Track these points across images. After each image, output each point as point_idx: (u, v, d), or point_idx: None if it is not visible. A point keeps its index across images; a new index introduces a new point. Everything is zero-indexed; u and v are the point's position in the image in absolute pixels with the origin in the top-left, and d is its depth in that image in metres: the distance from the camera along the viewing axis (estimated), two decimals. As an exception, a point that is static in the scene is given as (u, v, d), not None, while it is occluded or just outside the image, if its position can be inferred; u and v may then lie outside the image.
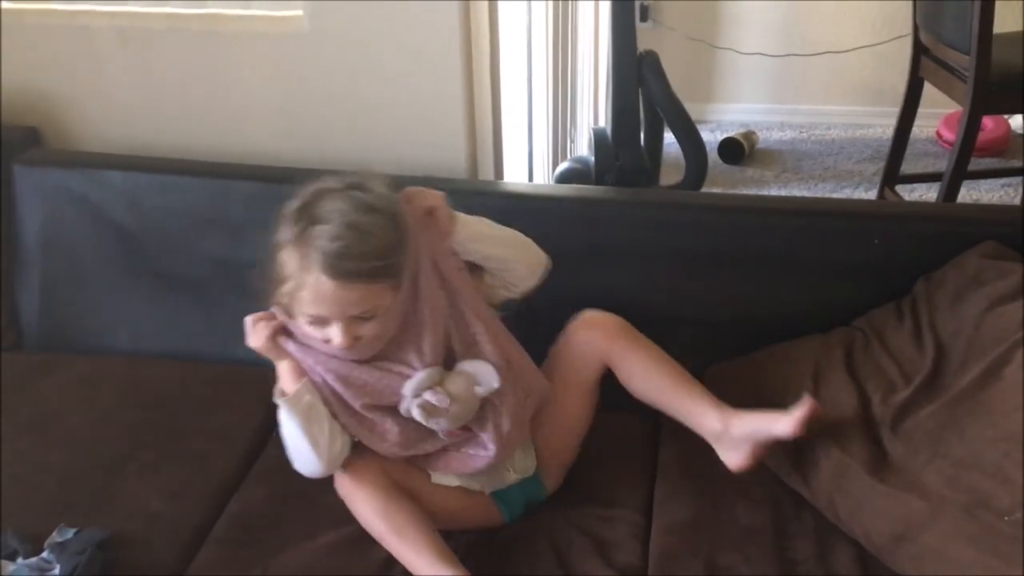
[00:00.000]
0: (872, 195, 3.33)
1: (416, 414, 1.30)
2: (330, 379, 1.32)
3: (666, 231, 1.66)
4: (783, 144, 3.83)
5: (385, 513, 1.31)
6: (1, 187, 1.81)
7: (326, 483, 1.42)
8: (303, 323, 1.29)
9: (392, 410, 1.33)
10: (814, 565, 1.31)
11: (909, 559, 1.25)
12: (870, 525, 1.30)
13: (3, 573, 1.30)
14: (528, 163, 2.50)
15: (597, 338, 1.45)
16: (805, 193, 3.42)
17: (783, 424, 1.32)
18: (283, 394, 1.33)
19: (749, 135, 3.73)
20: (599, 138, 2.18)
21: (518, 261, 1.43)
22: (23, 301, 1.84)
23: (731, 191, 3.41)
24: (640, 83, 2.25)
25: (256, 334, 1.33)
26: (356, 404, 1.32)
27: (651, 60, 2.26)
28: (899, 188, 3.13)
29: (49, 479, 1.49)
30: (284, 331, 1.33)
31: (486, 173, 1.95)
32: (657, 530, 1.39)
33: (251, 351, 1.35)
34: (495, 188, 1.83)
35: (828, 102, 3.97)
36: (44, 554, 1.33)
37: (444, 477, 1.40)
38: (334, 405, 1.33)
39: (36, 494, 1.47)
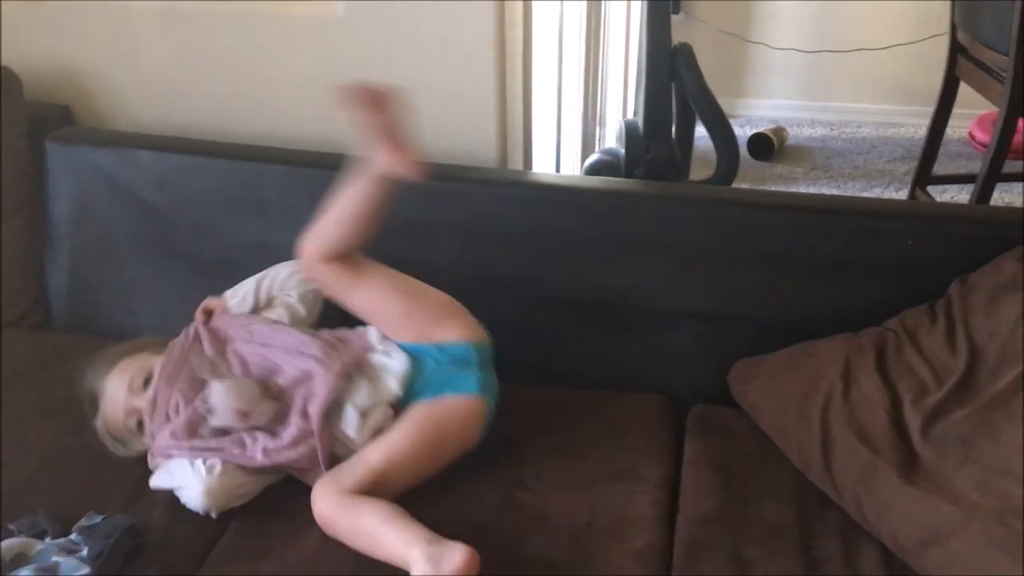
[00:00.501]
0: (902, 195, 3.31)
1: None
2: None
3: (696, 226, 1.64)
4: (813, 141, 3.80)
5: (349, 530, 1.33)
6: (33, 164, 1.82)
7: None
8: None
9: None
10: (839, 565, 1.31)
11: (936, 564, 1.24)
12: (897, 527, 1.29)
13: (32, 551, 1.31)
14: (556, 154, 2.49)
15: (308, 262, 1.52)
16: (834, 191, 3.39)
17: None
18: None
19: (779, 131, 3.70)
20: (630, 130, 2.17)
21: None
22: (52, 279, 1.85)
23: (759, 187, 3.39)
24: (673, 76, 2.23)
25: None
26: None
27: (685, 53, 2.24)
28: (930, 189, 3.10)
29: (80, 461, 1.50)
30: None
31: (515, 163, 1.95)
32: (683, 521, 1.39)
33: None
34: (524, 179, 1.83)
35: (860, 100, 3.93)
36: (72, 536, 1.34)
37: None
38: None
39: (66, 476, 1.48)
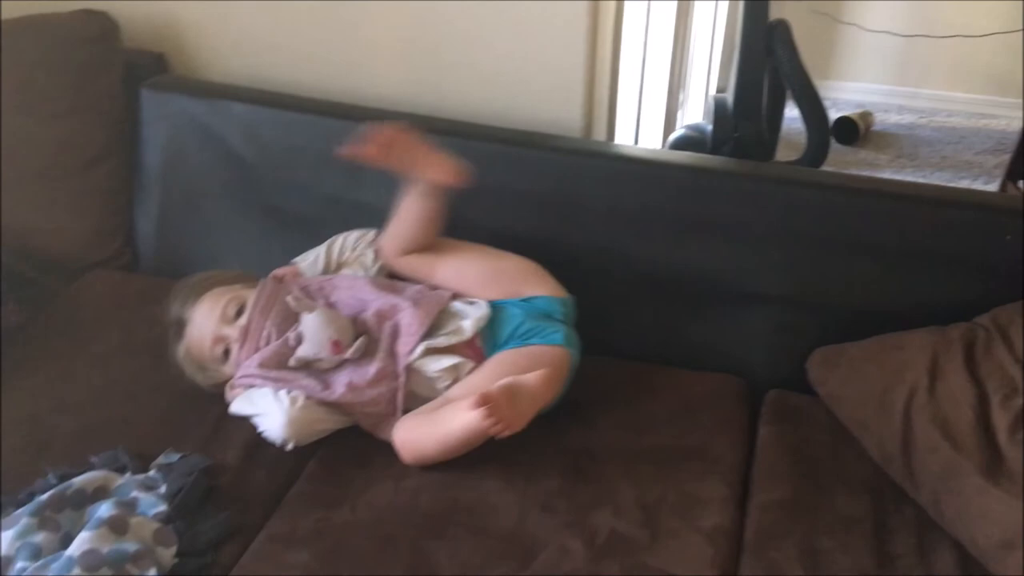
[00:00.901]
0: (991, 189, 3.20)
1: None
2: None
3: (782, 208, 1.61)
4: (900, 128, 3.69)
5: (428, 433, 1.39)
6: (127, 110, 1.86)
7: None
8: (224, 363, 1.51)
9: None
10: (913, 562, 1.28)
11: (1016, 568, 1.20)
12: (977, 529, 1.26)
13: (113, 485, 1.35)
14: (636, 128, 2.46)
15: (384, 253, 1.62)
16: (918, 181, 3.30)
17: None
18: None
19: (865, 115, 3.60)
20: (719, 107, 2.12)
21: None
22: (141, 224, 1.89)
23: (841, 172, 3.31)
24: (768, 54, 2.17)
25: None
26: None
27: (782, 31, 2.19)
28: (1022, 184, 2.99)
29: (159, 400, 1.53)
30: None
31: (599, 135, 1.93)
32: (754, 507, 1.37)
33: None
34: (609, 150, 1.80)
35: (953, 88, 3.81)
36: (151, 473, 1.38)
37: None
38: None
39: (146, 413, 1.52)
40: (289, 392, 1.41)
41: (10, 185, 1.80)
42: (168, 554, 1.26)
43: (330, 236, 1.77)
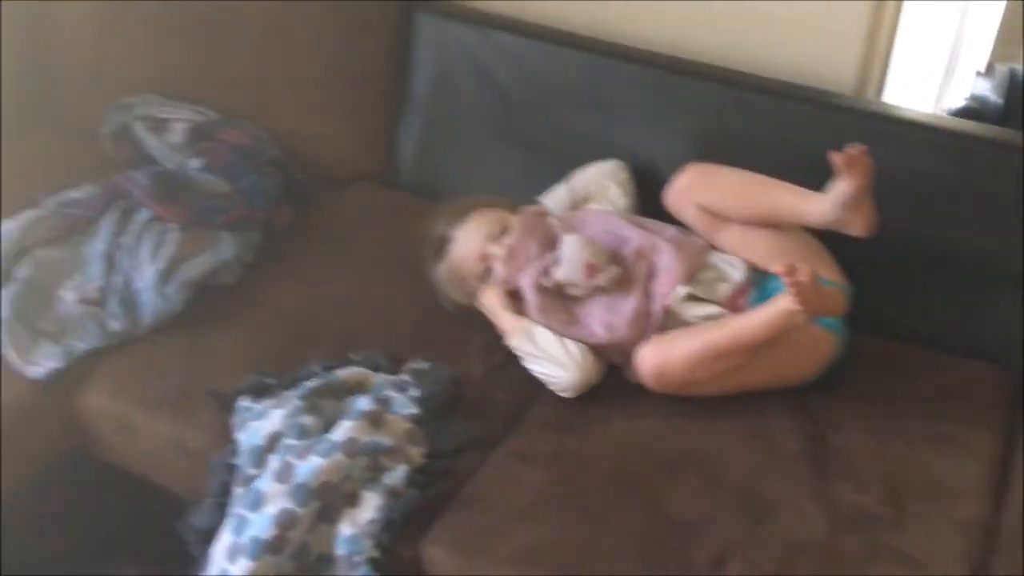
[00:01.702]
0: None
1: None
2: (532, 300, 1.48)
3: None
4: None
5: (685, 348, 1.39)
6: (400, 33, 1.93)
7: None
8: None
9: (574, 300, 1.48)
10: None
11: None
12: None
13: (370, 382, 1.43)
14: (906, 94, 2.30)
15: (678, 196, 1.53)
16: None
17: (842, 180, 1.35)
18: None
19: None
20: (1014, 78, 1.95)
21: None
22: (403, 143, 1.97)
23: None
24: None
25: (484, 298, 1.54)
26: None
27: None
28: None
29: (413, 311, 1.61)
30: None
31: (870, 95, 1.82)
32: (1013, 503, 1.29)
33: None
34: (889, 112, 1.68)
35: None
36: (403, 376, 1.46)
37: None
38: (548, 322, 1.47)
39: (398, 321, 1.60)
40: (574, 344, 1.42)
41: (290, 95, 1.92)
42: (417, 453, 1.33)
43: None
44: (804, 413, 1.42)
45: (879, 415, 1.42)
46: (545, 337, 1.44)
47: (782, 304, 1.33)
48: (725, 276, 1.47)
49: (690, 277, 1.46)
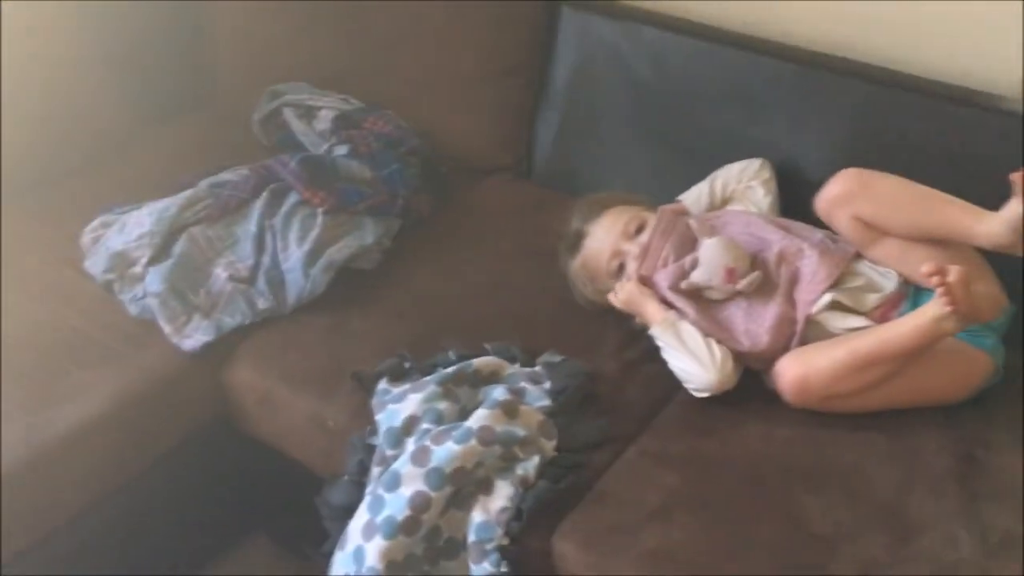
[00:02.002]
0: None
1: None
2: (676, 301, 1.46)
3: None
4: None
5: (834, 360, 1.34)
6: (544, 26, 1.93)
7: None
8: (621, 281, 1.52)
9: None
10: None
11: None
12: None
13: (504, 372, 1.44)
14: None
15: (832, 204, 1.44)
16: None
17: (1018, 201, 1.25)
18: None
19: None
20: None
21: None
22: (541, 136, 1.97)
23: None
24: None
25: (623, 292, 1.51)
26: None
27: None
28: None
29: (546, 304, 1.61)
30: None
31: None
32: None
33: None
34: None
35: None
36: (537, 368, 1.46)
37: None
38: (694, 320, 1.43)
39: (531, 313, 1.60)
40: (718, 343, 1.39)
41: (432, 86, 1.95)
42: (549, 446, 1.33)
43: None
44: (953, 430, 1.36)
45: (1035, 436, 1.34)
46: (691, 333, 1.42)
47: (931, 310, 1.27)
48: (875, 286, 1.41)
49: (836, 284, 1.41)
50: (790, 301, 1.42)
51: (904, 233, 1.40)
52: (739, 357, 1.42)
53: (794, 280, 1.43)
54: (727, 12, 1.86)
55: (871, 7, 1.73)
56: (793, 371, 1.35)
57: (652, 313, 1.46)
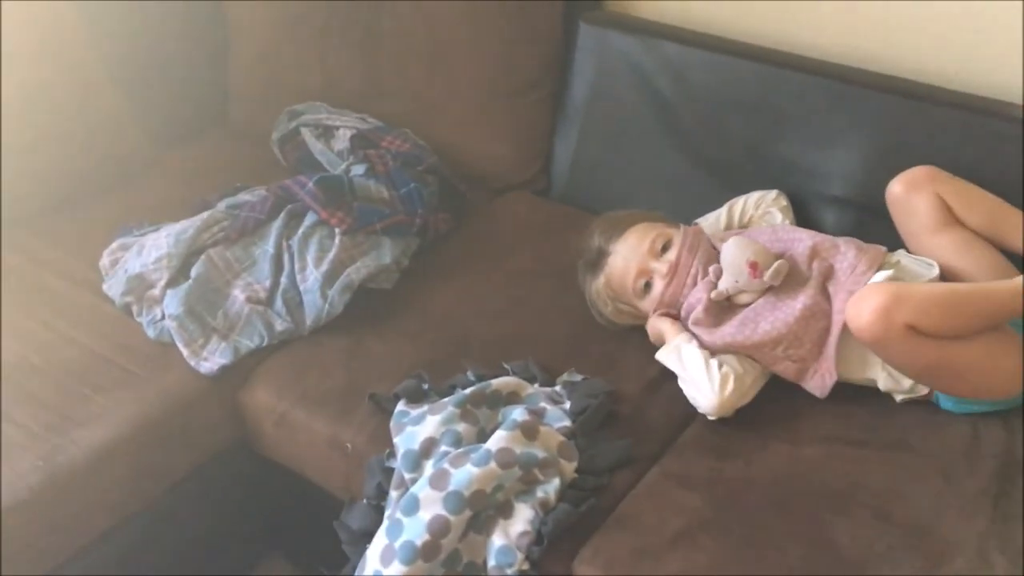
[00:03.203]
0: None
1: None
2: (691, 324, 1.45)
3: None
4: None
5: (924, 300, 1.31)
6: (562, 42, 1.92)
7: (812, 399, 1.40)
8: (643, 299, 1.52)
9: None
10: None
11: None
12: None
13: (524, 393, 1.42)
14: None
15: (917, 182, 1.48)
16: None
17: None
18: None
19: None
20: None
21: None
22: (559, 153, 1.95)
23: None
24: None
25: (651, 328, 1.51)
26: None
27: None
28: None
29: (566, 322, 1.59)
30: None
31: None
32: None
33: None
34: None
35: None
36: (557, 388, 1.44)
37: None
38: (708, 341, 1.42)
39: (551, 332, 1.58)
40: (721, 367, 1.37)
41: (451, 104, 1.94)
42: (570, 468, 1.31)
43: (744, 187, 1.73)
44: (985, 449, 1.32)
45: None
46: (692, 356, 1.39)
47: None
48: (916, 274, 1.41)
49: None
50: (823, 293, 1.40)
51: (978, 225, 1.43)
52: (769, 360, 1.39)
53: (828, 274, 1.41)
54: (747, 25, 1.85)
55: (895, 18, 1.71)
56: (887, 290, 1.29)
57: (667, 338, 1.46)
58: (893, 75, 1.67)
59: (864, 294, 1.31)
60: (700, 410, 1.39)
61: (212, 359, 1.50)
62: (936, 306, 1.29)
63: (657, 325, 1.48)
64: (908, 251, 1.50)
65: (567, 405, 1.39)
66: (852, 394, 1.41)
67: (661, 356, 1.44)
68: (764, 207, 1.66)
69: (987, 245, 1.43)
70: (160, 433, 1.47)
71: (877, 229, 1.54)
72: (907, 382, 1.38)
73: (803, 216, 1.68)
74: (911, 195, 1.47)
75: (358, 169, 1.77)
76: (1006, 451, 1.32)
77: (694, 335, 1.43)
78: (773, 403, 1.42)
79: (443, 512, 1.23)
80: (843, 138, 1.65)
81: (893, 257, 1.45)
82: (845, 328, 1.36)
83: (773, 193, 1.67)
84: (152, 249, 1.63)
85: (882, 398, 1.42)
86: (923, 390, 1.39)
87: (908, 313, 1.27)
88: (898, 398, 1.41)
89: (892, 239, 1.52)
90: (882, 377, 1.39)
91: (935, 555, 1.19)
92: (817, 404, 1.41)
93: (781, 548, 1.21)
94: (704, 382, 1.36)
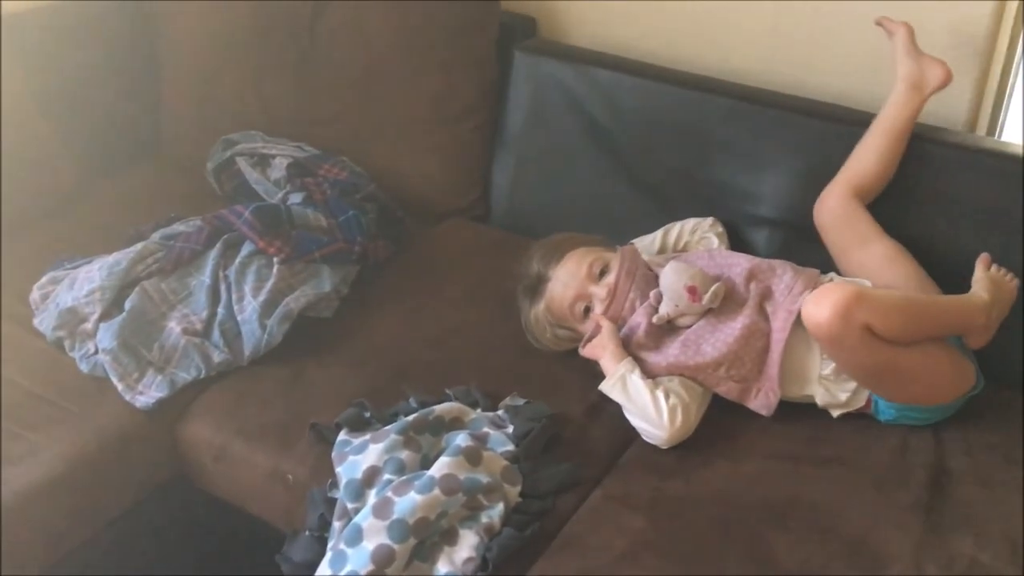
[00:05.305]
0: None
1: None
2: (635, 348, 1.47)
3: None
4: None
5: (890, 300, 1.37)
6: (496, 71, 1.94)
7: (751, 418, 1.43)
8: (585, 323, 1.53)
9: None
10: None
11: None
12: None
13: (467, 418, 1.42)
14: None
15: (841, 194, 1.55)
16: None
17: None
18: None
19: None
20: None
21: None
22: (497, 179, 1.97)
23: None
24: None
25: (590, 348, 1.51)
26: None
27: None
28: None
29: (507, 347, 1.59)
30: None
31: (981, 130, 1.76)
32: None
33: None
34: (1001, 148, 1.62)
35: None
36: (500, 412, 1.44)
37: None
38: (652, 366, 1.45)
39: (491, 357, 1.58)
40: (668, 398, 1.37)
41: (388, 131, 1.95)
42: (513, 492, 1.31)
43: (679, 209, 1.76)
44: (916, 460, 1.36)
45: (1002, 466, 1.35)
46: (638, 389, 1.40)
47: (978, 296, 1.38)
48: None
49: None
50: (761, 313, 1.43)
51: (881, 161, 1.54)
52: (711, 382, 1.42)
53: (766, 295, 1.44)
54: (677, 52, 1.90)
55: (818, 47, 1.77)
56: (849, 289, 1.31)
57: (606, 367, 1.46)
58: (817, 99, 1.73)
59: (825, 291, 1.32)
60: (650, 440, 1.40)
61: (148, 392, 1.48)
62: (896, 311, 1.32)
63: (596, 353, 1.48)
64: (839, 272, 1.54)
65: (510, 429, 1.40)
66: (790, 411, 1.44)
67: (605, 388, 1.45)
68: (700, 233, 1.69)
69: (911, 259, 1.48)
70: (96, 470, 1.43)
71: (807, 248, 1.59)
72: (844, 396, 1.42)
73: (735, 238, 1.72)
74: (832, 205, 1.53)
75: (295, 198, 1.76)
76: (936, 461, 1.36)
77: (637, 358, 1.45)
78: (713, 422, 1.44)
79: (387, 541, 1.22)
80: (771, 161, 1.69)
81: (826, 277, 1.50)
82: (791, 337, 1.39)
83: (709, 220, 1.71)
84: (84, 282, 1.60)
85: (819, 413, 1.46)
86: (859, 404, 1.42)
87: (868, 313, 1.29)
88: (835, 413, 1.44)
89: (822, 259, 1.57)
90: (819, 393, 1.43)
91: (871, 566, 1.22)
92: (755, 422, 1.44)
93: (722, 563, 1.23)
94: (653, 416, 1.38)
